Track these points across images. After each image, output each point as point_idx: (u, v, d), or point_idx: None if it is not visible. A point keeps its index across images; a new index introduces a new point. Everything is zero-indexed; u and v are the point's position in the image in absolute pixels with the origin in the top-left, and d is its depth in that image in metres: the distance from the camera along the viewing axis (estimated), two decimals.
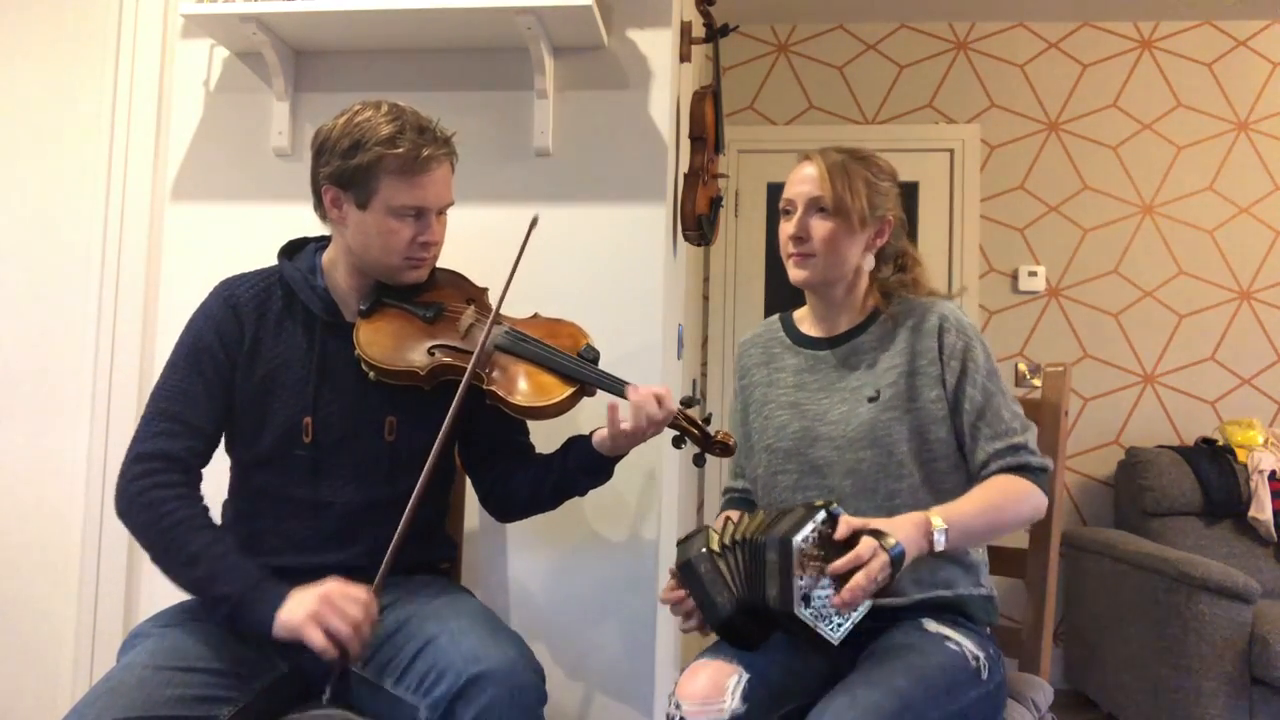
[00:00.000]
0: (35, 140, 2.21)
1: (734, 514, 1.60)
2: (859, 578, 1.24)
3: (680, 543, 1.44)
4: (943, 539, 1.35)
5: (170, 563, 1.40)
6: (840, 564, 1.26)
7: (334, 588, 1.34)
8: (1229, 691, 2.68)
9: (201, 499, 1.46)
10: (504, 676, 1.27)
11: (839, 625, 1.27)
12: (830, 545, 1.29)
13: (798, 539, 1.26)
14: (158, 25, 2.18)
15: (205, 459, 1.51)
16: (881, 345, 1.57)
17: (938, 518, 1.36)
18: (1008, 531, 1.49)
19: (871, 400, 1.52)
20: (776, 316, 1.74)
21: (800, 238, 1.56)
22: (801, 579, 1.25)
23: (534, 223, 1.57)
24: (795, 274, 1.59)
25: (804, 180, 1.58)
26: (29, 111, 2.21)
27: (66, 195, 2.19)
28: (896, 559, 1.28)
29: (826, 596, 1.27)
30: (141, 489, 1.42)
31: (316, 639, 1.30)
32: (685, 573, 1.38)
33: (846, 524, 1.30)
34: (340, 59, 2.05)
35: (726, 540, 1.36)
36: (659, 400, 1.49)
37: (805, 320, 1.69)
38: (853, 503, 1.48)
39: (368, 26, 1.93)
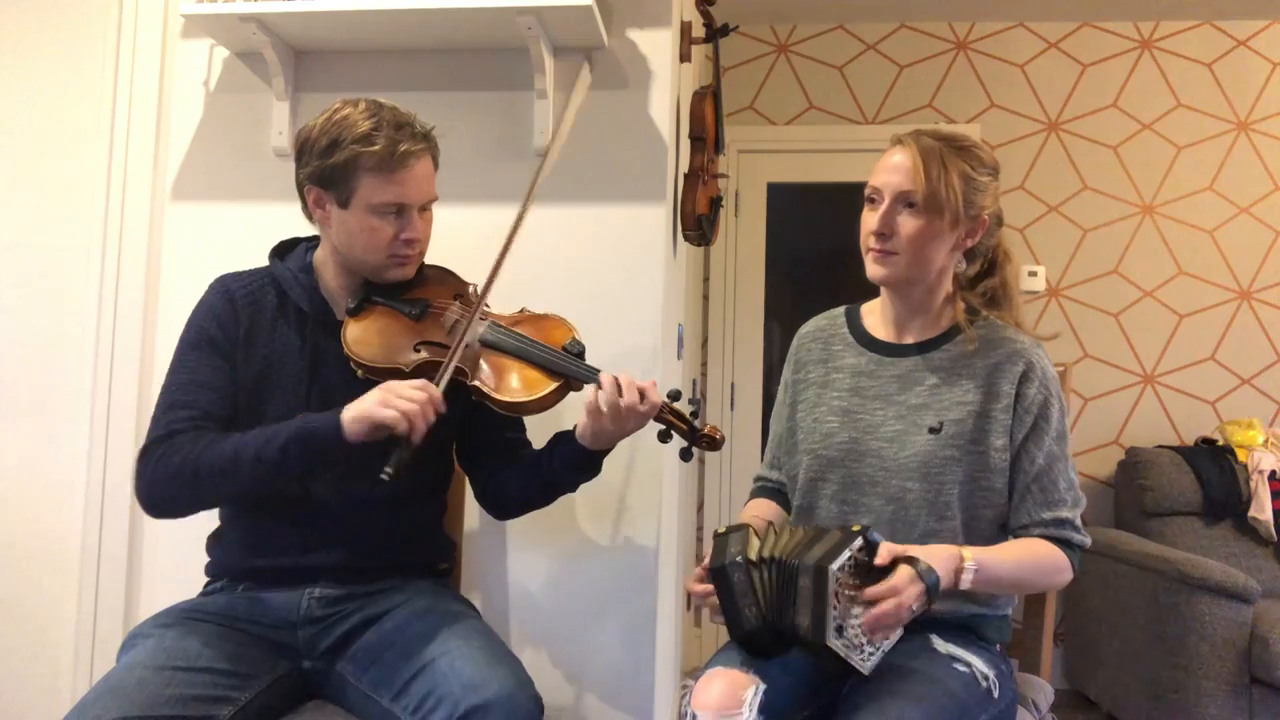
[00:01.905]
0: (35, 140, 2.21)
1: (766, 513, 1.56)
2: (888, 605, 1.21)
3: (719, 535, 1.37)
4: (970, 578, 1.31)
5: (221, 478, 1.39)
6: (876, 592, 1.22)
7: (392, 382, 1.39)
8: (1229, 691, 2.68)
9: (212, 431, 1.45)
10: (502, 707, 1.27)
11: (870, 655, 1.25)
12: (866, 572, 1.26)
13: (834, 567, 1.21)
14: (158, 25, 2.18)
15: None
16: (954, 370, 1.46)
17: (970, 558, 1.32)
18: (1027, 593, 1.46)
19: (933, 431, 1.43)
20: (842, 310, 1.64)
21: (884, 234, 1.43)
22: (835, 608, 1.21)
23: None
24: (874, 270, 1.47)
25: (894, 169, 1.43)
26: (29, 111, 2.21)
27: (67, 195, 2.19)
28: (933, 588, 1.24)
29: (859, 625, 1.23)
30: (157, 458, 1.41)
31: (387, 415, 1.34)
32: (717, 578, 1.33)
33: (888, 550, 1.26)
34: (340, 59, 2.05)
35: (766, 552, 1.30)
36: (641, 393, 1.46)
37: (873, 318, 1.58)
38: (888, 530, 1.42)
39: (368, 26, 1.93)
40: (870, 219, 1.46)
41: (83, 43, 2.20)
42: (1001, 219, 1.53)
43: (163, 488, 1.42)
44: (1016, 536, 1.44)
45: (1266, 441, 3.37)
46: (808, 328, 1.66)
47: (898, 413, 1.48)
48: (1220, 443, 3.43)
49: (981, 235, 1.48)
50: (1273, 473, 3.25)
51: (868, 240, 1.47)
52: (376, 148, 1.45)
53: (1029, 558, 1.40)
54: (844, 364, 1.56)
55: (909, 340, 1.52)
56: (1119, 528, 3.48)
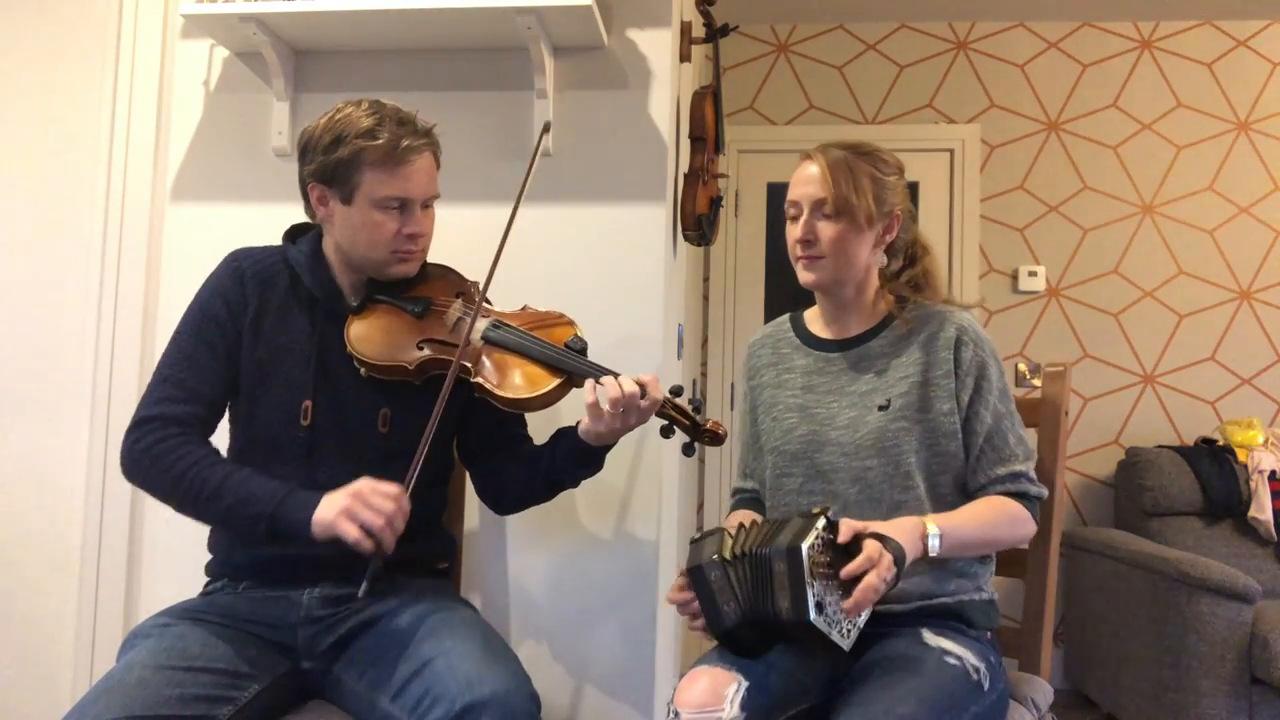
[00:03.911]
0: (35, 140, 2.21)
1: (745, 519, 1.58)
2: (870, 578, 1.24)
3: (694, 541, 1.41)
4: (937, 544, 1.37)
5: (194, 502, 1.42)
6: (853, 567, 1.26)
7: (364, 484, 1.39)
8: (1229, 691, 2.68)
9: (207, 441, 1.48)
10: (499, 705, 1.27)
11: (848, 631, 1.27)
12: (834, 551, 1.29)
13: (805, 545, 1.25)
14: (158, 25, 2.18)
15: (210, 427, 1.52)
16: (894, 352, 1.55)
17: (933, 524, 1.38)
18: (996, 549, 1.52)
19: (881, 409, 1.50)
20: (787, 316, 1.72)
21: (808, 240, 1.54)
22: (813, 586, 1.24)
23: (546, 127, 1.63)
24: (804, 276, 1.57)
25: (807, 181, 1.55)
26: (29, 111, 2.21)
27: (66, 195, 2.19)
28: (899, 558, 1.29)
29: (836, 603, 1.26)
30: (146, 446, 1.43)
31: (351, 531, 1.34)
32: (695, 578, 1.36)
33: (848, 527, 1.30)
34: (340, 59, 2.05)
35: (737, 550, 1.34)
36: (642, 388, 1.47)
37: (815, 321, 1.67)
38: (857, 511, 1.47)
39: (368, 26, 1.93)
40: (793, 230, 1.56)
41: (83, 43, 2.20)
42: (915, 215, 1.63)
43: (143, 476, 1.45)
44: (976, 497, 1.50)
45: (1266, 441, 3.37)
46: (756, 337, 1.74)
47: (850, 401, 1.55)
48: (1220, 443, 3.43)
49: (898, 230, 1.58)
50: (1273, 473, 3.25)
51: (794, 249, 1.57)
52: (380, 142, 1.47)
53: (991, 514, 1.46)
54: (794, 365, 1.64)
55: (849, 335, 1.61)
56: (1119, 528, 3.48)
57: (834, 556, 1.29)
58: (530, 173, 1.60)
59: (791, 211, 1.57)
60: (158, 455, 1.43)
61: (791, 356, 1.65)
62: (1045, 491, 1.51)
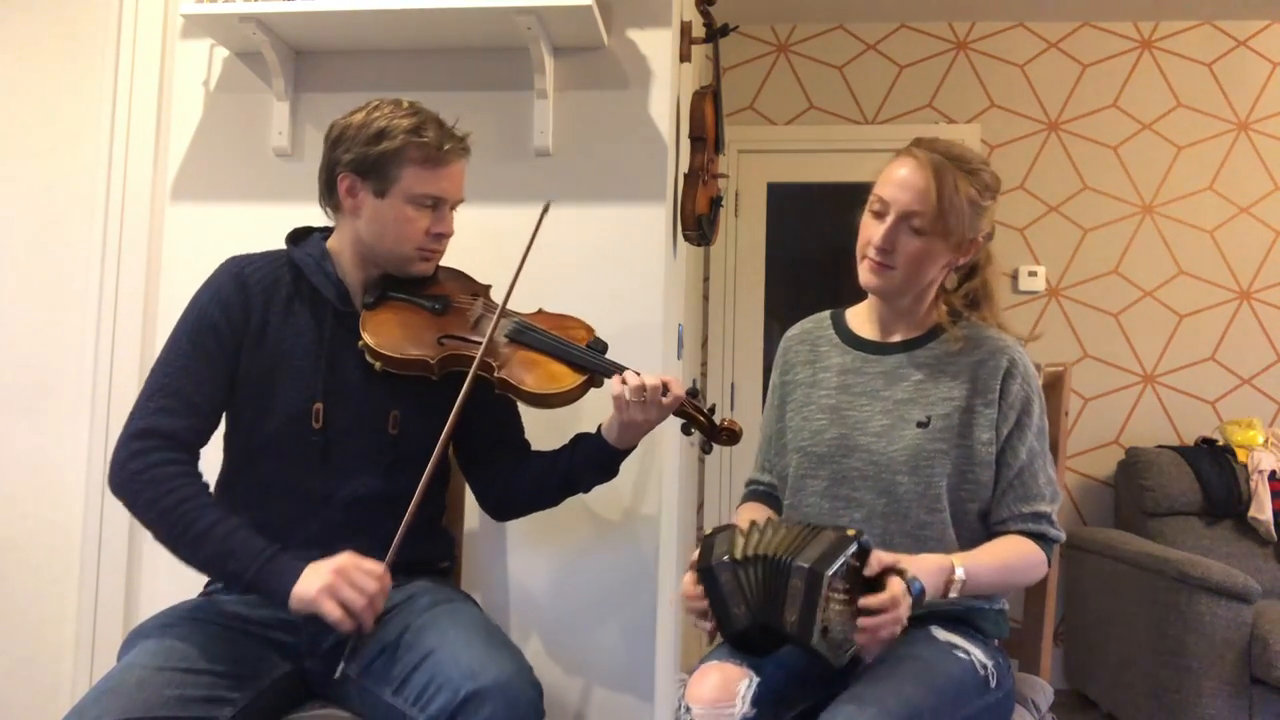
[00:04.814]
0: (35, 140, 2.21)
1: (760, 516, 1.57)
2: (886, 618, 1.23)
3: (707, 537, 1.40)
4: (959, 590, 1.35)
5: (177, 541, 1.39)
6: (873, 601, 1.24)
7: (347, 561, 1.36)
8: (1229, 691, 2.68)
9: (201, 476, 1.45)
10: (502, 693, 1.27)
11: (846, 653, 1.27)
12: (856, 578, 1.27)
13: (829, 573, 1.23)
14: (158, 25, 2.18)
15: (204, 438, 1.49)
16: (939, 367, 1.50)
17: (960, 569, 1.35)
18: (1007, 593, 1.50)
19: (921, 426, 1.46)
20: (827, 313, 1.67)
21: (885, 250, 1.46)
22: (823, 611, 1.23)
23: (545, 209, 1.61)
24: (869, 279, 1.50)
25: (904, 186, 1.44)
26: (30, 112, 2.21)
27: (66, 195, 2.19)
28: (917, 597, 1.28)
29: (843, 628, 1.25)
30: (142, 466, 1.40)
31: (333, 611, 1.32)
32: (706, 578, 1.35)
33: (878, 560, 1.28)
34: (340, 59, 2.05)
35: (751, 550, 1.32)
36: (665, 385, 1.51)
37: (859, 319, 1.62)
38: (881, 523, 1.45)
39: (368, 26, 1.93)
40: (874, 230, 1.47)
41: (83, 43, 2.20)
42: (992, 234, 1.56)
43: (130, 497, 1.41)
44: (995, 531, 1.48)
45: (1266, 441, 3.37)
46: (794, 331, 1.70)
47: (884, 408, 1.51)
48: (1220, 443, 3.43)
49: (974, 254, 1.53)
50: (1273, 473, 3.25)
51: (866, 249, 1.49)
52: (426, 140, 1.50)
53: (1011, 557, 1.44)
54: (830, 363, 1.60)
55: (894, 339, 1.56)
56: (1119, 528, 3.48)
57: (854, 583, 1.27)
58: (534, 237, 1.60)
59: (876, 208, 1.48)
60: (149, 480, 1.39)
61: (829, 354, 1.61)
62: (1063, 536, 1.49)
